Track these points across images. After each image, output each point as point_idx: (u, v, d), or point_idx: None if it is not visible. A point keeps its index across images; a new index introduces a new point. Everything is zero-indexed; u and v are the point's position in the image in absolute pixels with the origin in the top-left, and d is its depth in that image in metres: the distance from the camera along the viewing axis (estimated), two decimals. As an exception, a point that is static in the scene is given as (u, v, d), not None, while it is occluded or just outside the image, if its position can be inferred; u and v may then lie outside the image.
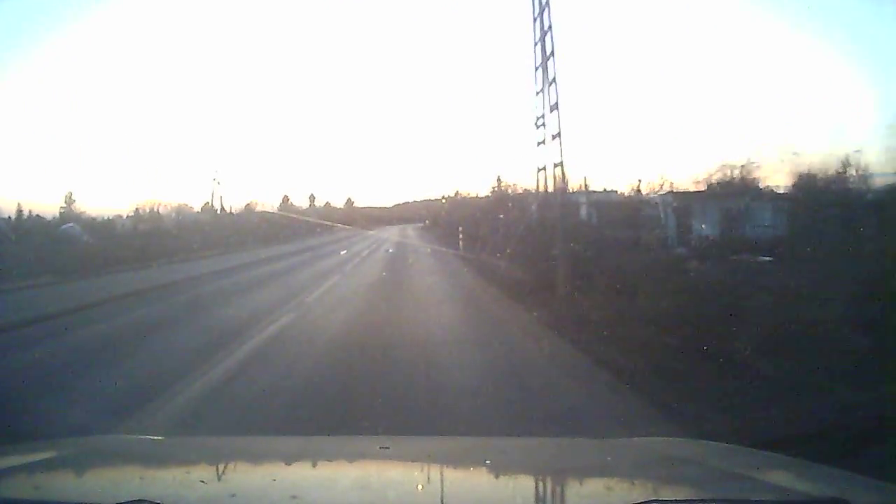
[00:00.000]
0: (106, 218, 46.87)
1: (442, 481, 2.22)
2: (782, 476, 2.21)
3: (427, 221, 60.24)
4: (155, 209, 54.56)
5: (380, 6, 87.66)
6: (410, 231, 57.75)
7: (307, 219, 55.93)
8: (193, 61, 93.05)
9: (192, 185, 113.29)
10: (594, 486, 2.27)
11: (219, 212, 54.14)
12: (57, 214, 48.62)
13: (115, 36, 78.94)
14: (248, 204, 61.18)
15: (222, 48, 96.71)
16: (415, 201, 71.63)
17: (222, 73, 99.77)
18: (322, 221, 55.16)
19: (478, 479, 2.35)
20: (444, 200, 54.21)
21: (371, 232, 55.24)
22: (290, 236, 43.52)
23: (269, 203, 64.71)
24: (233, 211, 56.88)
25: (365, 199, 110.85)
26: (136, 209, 53.92)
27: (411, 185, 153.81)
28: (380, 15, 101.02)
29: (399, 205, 79.62)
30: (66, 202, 52.77)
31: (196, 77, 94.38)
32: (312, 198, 73.82)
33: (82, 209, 52.72)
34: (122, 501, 1.70)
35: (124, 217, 49.95)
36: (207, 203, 57.99)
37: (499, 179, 43.35)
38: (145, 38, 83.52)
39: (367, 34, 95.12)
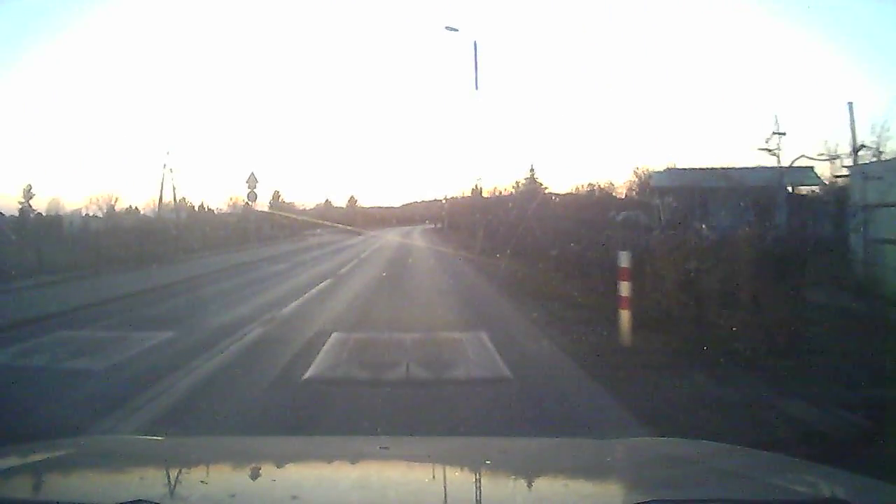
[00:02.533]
0: (55, 214, 43.34)
1: (442, 481, 2.22)
2: (782, 476, 2.21)
3: (437, 223, 53.00)
4: (112, 204, 51.51)
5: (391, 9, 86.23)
6: (418, 237, 44.67)
7: (294, 216, 52.75)
8: (193, 56, 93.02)
9: (188, 182, 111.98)
10: (594, 486, 2.27)
11: (195, 209, 51.17)
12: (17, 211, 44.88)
13: (95, 29, 78.15)
14: (234, 201, 58.36)
15: (218, 41, 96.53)
16: (422, 201, 70.42)
17: (221, 66, 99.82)
18: (311, 220, 51.62)
19: (478, 479, 2.34)
20: (442, 200, 51.34)
21: (359, 238, 43.49)
22: (228, 244, 33.45)
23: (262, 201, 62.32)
24: (210, 209, 53.89)
25: (372, 200, 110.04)
26: (113, 206, 51.40)
27: (417, 186, 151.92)
28: (387, 8, 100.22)
29: (407, 205, 79.09)
30: (24, 196, 48.86)
31: (194, 72, 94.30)
32: (277, 194, 69.46)
33: (62, 205, 49.43)
34: (122, 501, 1.70)
35: (87, 215, 46.35)
36: (184, 199, 54.10)
37: (532, 170, 40.75)
38: (133, 33, 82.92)
39: (368, 27, 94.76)
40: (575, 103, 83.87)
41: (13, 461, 2.35)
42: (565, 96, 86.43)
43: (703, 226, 12.58)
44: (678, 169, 19.55)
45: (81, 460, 2.49)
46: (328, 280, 16.65)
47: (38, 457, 2.45)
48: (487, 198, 31.46)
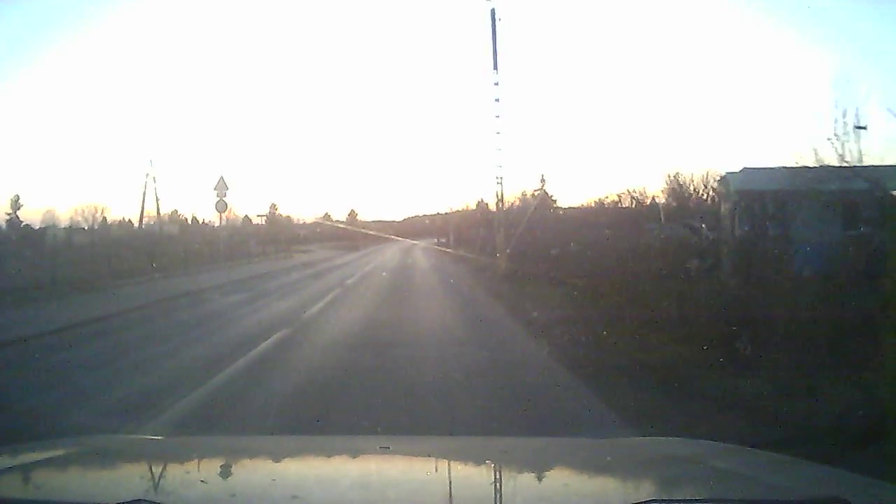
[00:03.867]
0: (50, 226, 41.30)
1: (442, 481, 2.23)
2: (782, 476, 2.22)
3: (441, 238, 48.29)
4: (97, 216, 48.92)
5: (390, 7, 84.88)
6: (421, 255, 38.35)
7: (291, 230, 50.38)
8: (187, 64, 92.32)
9: (194, 193, 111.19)
10: (594, 486, 2.28)
11: (187, 222, 48.28)
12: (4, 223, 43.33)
13: (89, 36, 77.47)
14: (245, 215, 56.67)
15: (214, 50, 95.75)
16: (425, 215, 68.90)
17: (217, 76, 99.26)
18: (304, 235, 49.00)
19: (478, 478, 2.35)
20: (447, 212, 46.27)
21: (353, 255, 37.59)
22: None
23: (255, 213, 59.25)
24: (206, 221, 50.62)
25: (373, 214, 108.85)
26: (101, 217, 48.53)
27: (419, 200, 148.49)
28: (387, 17, 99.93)
29: (408, 218, 78.16)
30: (11, 207, 45.60)
31: (189, 81, 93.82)
32: (274, 207, 65.73)
33: (57, 216, 47.21)
34: (122, 501, 1.71)
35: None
36: (175, 212, 52.51)
37: (543, 180, 38.30)
38: (126, 41, 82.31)
39: (369, 36, 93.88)
40: (594, 108, 78.47)
41: (13, 461, 2.35)
42: (583, 100, 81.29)
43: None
44: (759, 169, 16.12)
45: (81, 460, 2.49)
46: (279, 334, 10.42)
47: (38, 457, 2.46)
48: (509, 208, 26.25)
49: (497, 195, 23.06)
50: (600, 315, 10.18)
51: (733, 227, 14.84)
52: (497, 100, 21.00)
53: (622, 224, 19.12)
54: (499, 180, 22.64)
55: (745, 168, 17.58)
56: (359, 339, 10.10)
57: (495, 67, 20.93)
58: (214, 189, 26.32)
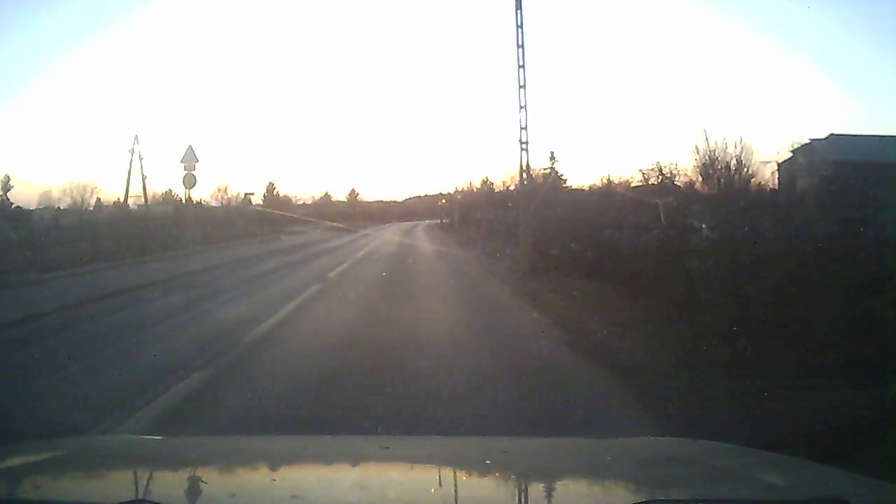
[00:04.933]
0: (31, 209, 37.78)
1: (442, 481, 2.23)
2: (782, 476, 2.22)
3: (443, 219, 47.54)
4: (85, 196, 46.84)
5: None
6: (423, 237, 35.53)
7: (281, 212, 48.20)
8: (186, 43, 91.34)
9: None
10: (594, 486, 2.28)
11: (182, 202, 46.52)
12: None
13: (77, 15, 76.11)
14: (246, 194, 55.56)
15: (211, 26, 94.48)
16: (426, 195, 68.17)
17: (217, 54, 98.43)
18: (299, 216, 47.60)
19: (478, 479, 2.36)
20: (452, 192, 43.29)
21: (348, 238, 34.31)
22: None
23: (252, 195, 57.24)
24: (204, 201, 49.40)
25: (374, 193, 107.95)
26: (94, 197, 46.30)
27: (420, 180, 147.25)
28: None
29: (410, 198, 78.00)
30: (2, 188, 42.56)
31: (187, 59, 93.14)
32: (272, 186, 64.93)
33: (54, 197, 45.19)
34: (122, 501, 1.71)
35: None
36: (170, 191, 50.42)
37: (553, 157, 32.60)
38: (118, 14, 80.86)
39: (373, 20, 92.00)
40: (606, 82, 74.51)
41: (13, 461, 2.36)
42: (592, 74, 75.58)
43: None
44: (850, 136, 13.84)
45: (81, 460, 2.49)
46: (189, 380, 6.38)
47: (37, 457, 2.46)
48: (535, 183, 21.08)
49: (522, 164, 17.60)
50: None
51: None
52: (521, 46, 16.60)
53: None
54: (523, 146, 17.01)
55: (832, 135, 15.04)
56: (318, 405, 5.70)
57: (519, 7, 16.44)
58: (181, 162, 22.04)
